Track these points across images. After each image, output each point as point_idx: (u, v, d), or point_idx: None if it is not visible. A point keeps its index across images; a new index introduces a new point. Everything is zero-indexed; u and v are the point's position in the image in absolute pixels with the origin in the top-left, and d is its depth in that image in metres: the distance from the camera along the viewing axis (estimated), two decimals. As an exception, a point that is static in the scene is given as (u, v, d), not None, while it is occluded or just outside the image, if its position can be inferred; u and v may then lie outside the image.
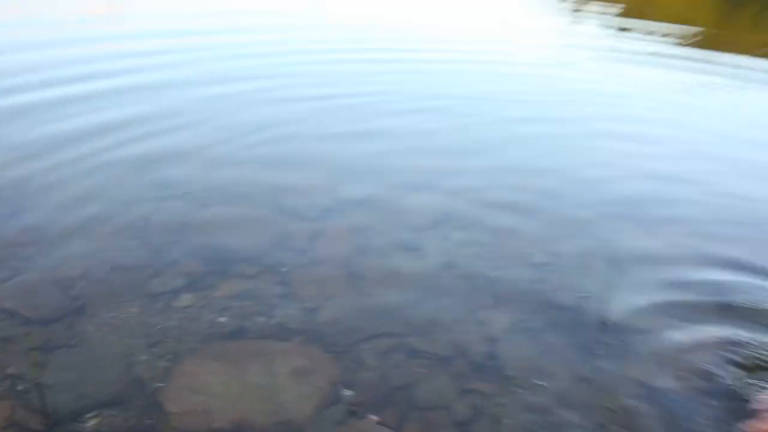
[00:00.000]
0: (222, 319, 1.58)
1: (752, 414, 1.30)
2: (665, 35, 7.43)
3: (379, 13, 7.84)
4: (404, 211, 2.24)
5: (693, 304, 1.81)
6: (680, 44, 6.99)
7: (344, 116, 3.30)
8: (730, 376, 1.50)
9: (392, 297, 1.74)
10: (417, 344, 1.56)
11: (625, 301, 1.79)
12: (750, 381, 1.50)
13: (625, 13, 8.67)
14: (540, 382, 1.45)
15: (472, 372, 1.48)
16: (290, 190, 2.31)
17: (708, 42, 7.55)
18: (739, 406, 1.39)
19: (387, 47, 5.29)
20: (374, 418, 1.31)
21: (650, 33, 7.44)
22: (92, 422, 1.20)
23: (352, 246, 1.98)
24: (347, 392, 1.38)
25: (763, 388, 1.43)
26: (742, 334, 1.69)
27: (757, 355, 1.61)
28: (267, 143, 2.78)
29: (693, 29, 8.03)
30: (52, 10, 5.71)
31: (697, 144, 3.45)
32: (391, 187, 2.43)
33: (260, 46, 4.90)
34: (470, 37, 6.55)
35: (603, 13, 8.50)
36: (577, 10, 9.19)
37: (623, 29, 7.52)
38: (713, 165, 3.11)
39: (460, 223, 2.18)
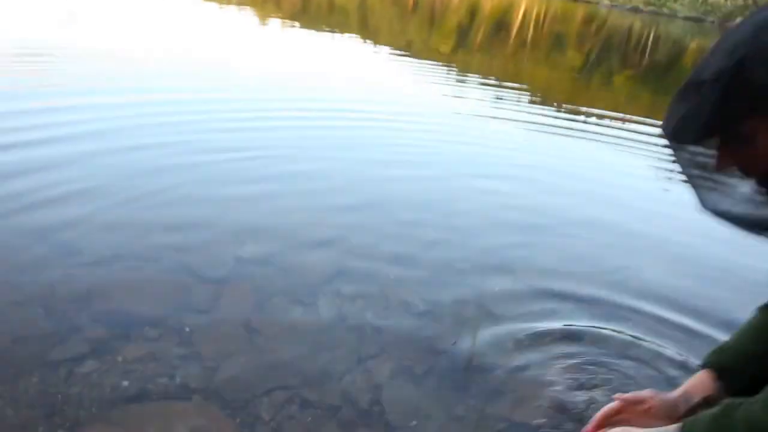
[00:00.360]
0: (124, 384, 1.59)
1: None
2: (533, 100, 8.11)
3: (276, 69, 7.94)
4: (301, 267, 2.29)
5: (550, 340, 1.98)
6: (545, 106, 7.64)
7: (242, 175, 3.33)
8: (581, 403, 1.66)
9: (288, 351, 1.80)
10: (309, 395, 1.63)
11: (493, 343, 1.92)
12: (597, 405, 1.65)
13: (501, 83, 9.29)
14: (418, 423, 1.56)
15: (358, 419, 1.56)
16: (194, 251, 2.31)
17: (566, 103, 8.26)
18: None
19: (284, 106, 5.37)
20: None
21: (521, 99, 8.03)
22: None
23: (251, 304, 2.02)
24: None
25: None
26: (592, 363, 1.86)
27: (608, 385, 1.78)
28: (168, 205, 2.76)
29: (555, 95, 8.73)
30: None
31: (553, 196, 3.71)
32: (289, 245, 2.47)
33: (158, 109, 4.78)
34: (362, 98, 6.70)
35: (482, 84, 9.05)
36: (461, 80, 9.67)
37: (498, 97, 8.02)
38: (567, 214, 3.35)
39: (351, 278, 2.25)
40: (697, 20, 33.90)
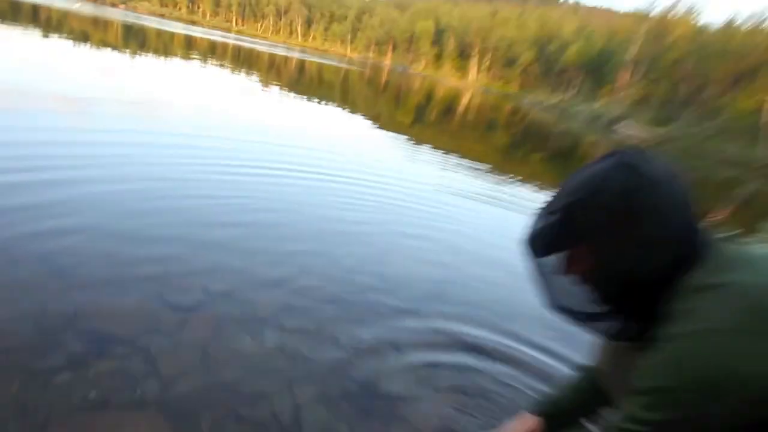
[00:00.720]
0: (91, 394, 1.55)
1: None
2: (469, 167, 8.26)
3: (265, 126, 7.90)
4: (255, 303, 2.24)
5: (447, 374, 1.99)
6: (478, 173, 7.81)
7: (217, 218, 3.24)
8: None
9: (232, 374, 1.77)
10: (243, 412, 1.61)
11: (400, 375, 1.93)
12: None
13: (446, 153, 9.52)
14: (335, 426, 1.56)
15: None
16: (168, 283, 2.25)
17: (493, 172, 8.43)
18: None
19: (264, 158, 5.35)
20: None
21: (460, 165, 8.21)
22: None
23: (210, 331, 1.97)
24: None
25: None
26: (478, 394, 1.89)
27: (488, 413, 1.80)
28: (152, 240, 2.68)
29: (486, 165, 8.94)
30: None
31: (462, 254, 3.71)
32: (248, 282, 2.42)
33: (155, 152, 4.70)
34: (331, 158, 6.64)
35: (431, 152, 9.28)
36: (415, 149, 9.86)
37: (442, 164, 8.17)
38: (472, 269, 3.38)
39: (294, 314, 2.21)
40: (593, 119, 35.55)
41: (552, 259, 0.97)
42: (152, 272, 2.31)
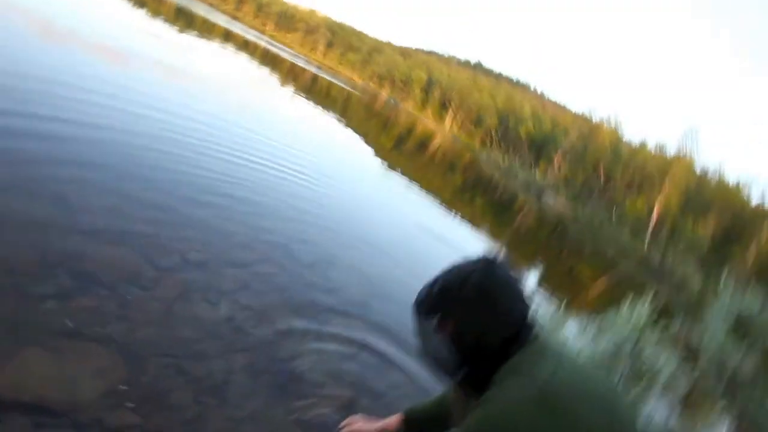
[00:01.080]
0: (68, 323, 1.55)
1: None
2: (426, 199, 8.44)
3: (271, 122, 7.77)
4: (221, 276, 2.24)
5: (352, 362, 2.04)
6: (430, 205, 7.97)
7: (212, 192, 3.19)
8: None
9: (185, 332, 1.79)
10: (186, 365, 1.64)
11: (314, 361, 1.98)
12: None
13: (410, 180, 9.64)
14: (246, 403, 1.61)
15: (209, 391, 1.58)
16: (155, 244, 2.23)
17: (444, 206, 8.64)
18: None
19: (262, 149, 5.12)
20: (130, 405, 1.37)
21: (418, 195, 8.36)
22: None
23: (177, 292, 1.98)
24: (123, 387, 1.42)
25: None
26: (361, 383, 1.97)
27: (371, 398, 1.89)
28: (151, 201, 2.62)
29: (438, 198, 9.13)
30: None
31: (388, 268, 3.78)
32: (221, 258, 2.41)
33: (175, 126, 4.47)
34: (318, 162, 6.44)
35: (400, 177, 9.40)
36: (389, 170, 9.92)
37: (405, 190, 8.28)
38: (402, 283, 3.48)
39: (249, 293, 2.22)
40: (528, 184, 36.89)
41: (428, 321, 1.10)
42: (144, 231, 2.29)
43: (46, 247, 1.83)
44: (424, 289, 1.13)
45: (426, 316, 1.11)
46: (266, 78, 15.63)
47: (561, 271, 12.39)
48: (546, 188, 36.67)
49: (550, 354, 0.99)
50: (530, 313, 1.06)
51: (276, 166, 4.85)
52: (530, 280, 7.95)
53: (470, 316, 1.03)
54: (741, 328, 1.62)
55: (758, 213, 33.27)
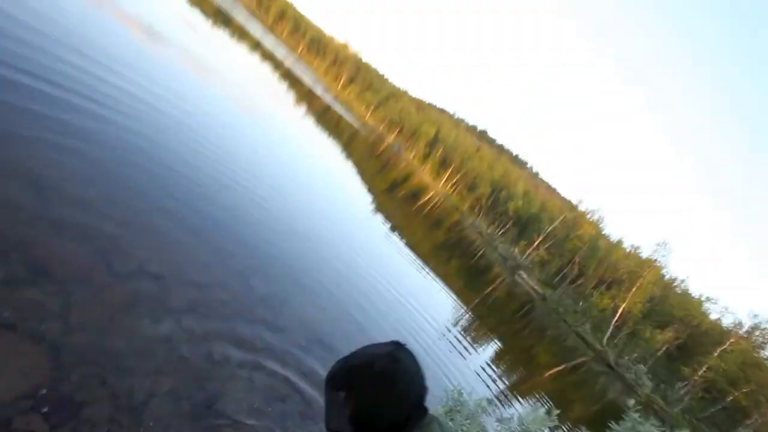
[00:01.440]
0: (5, 313, 1.55)
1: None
2: (403, 248, 8.44)
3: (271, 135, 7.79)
4: (172, 293, 2.24)
5: (280, 405, 2.05)
6: (407, 256, 8.00)
7: (186, 205, 3.16)
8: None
9: (120, 345, 1.78)
10: (109, 378, 1.63)
11: (239, 399, 1.96)
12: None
13: (394, 226, 9.70)
14: (155, 427, 1.59)
15: (127, 410, 1.58)
16: (116, 247, 2.24)
17: (420, 260, 8.59)
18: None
19: (251, 170, 5.12)
20: (44, 410, 1.36)
21: (397, 244, 8.41)
22: None
23: (124, 302, 1.97)
24: (43, 391, 1.42)
25: None
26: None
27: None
28: (128, 200, 2.62)
29: (417, 252, 9.08)
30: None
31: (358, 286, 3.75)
32: (177, 276, 2.39)
33: (185, 123, 4.44)
34: (307, 191, 6.41)
35: (384, 220, 9.49)
36: (375, 210, 10.02)
37: (388, 232, 8.30)
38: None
39: (195, 317, 2.21)
40: (506, 258, 37.40)
41: (335, 395, 1.18)
42: (111, 232, 2.30)
43: (7, 230, 1.84)
44: (337, 364, 1.22)
45: (333, 389, 1.19)
46: (282, 94, 15.98)
47: (520, 348, 12.42)
48: (522, 266, 37.30)
49: None
50: (423, 403, 1.15)
51: (265, 190, 4.87)
52: (489, 350, 7.97)
53: (369, 397, 1.12)
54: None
55: (715, 329, 34.27)
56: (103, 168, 2.81)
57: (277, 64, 27.81)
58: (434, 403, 2.20)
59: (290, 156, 7.76)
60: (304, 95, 25.94)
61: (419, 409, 1.16)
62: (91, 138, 3.01)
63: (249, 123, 7.61)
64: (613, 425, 1.88)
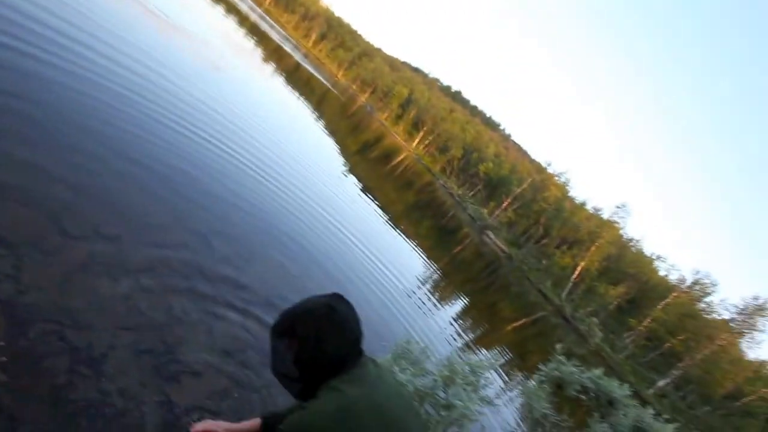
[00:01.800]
0: None
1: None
2: (376, 208, 8.44)
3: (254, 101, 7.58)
4: (131, 255, 2.25)
5: (237, 357, 2.15)
6: (379, 216, 8.11)
7: (157, 171, 3.09)
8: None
9: (77, 302, 1.82)
10: (68, 334, 1.68)
11: (199, 351, 2.06)
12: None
13: (365, 187, 9.74)
14: (119, 377, 1.67)
15: (84, 364, 1.63)
16: (71, 210, 2.21)
17: (391, 222, 8.64)
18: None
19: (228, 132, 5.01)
20: (3, 359, 1.42)
21: (370, 204, 8.47)
22: None
23: (80, 263, 1.99)
24: (1, 343, 1.46)
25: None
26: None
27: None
28: (86, 164, 2.55)
29: (389, 213, 9.15)
30: None
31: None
32: (138, 238, 2.40)
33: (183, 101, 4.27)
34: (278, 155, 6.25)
35: (356, 181, 9.54)
36: (346, 172, 10.01)
37: (361, 193, 8.36)
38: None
39: (153, 277, 2.24)
40: (475, 219, 38.39)
41: (279, 342, 1.31)
42: (63, 196, 2.26)
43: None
44: (282, 312, 1.34)
45: (278, 337, 1.32)
46: (250, 50, 15.22)
47: (485, 304, 13.09)
48: (490, 226, 38.47)
49: (369, 380, 1.23)
50: (360, 346, 1.30)
51: (230, 147, 4.77)
52: (456, 307, 8.39)
53: (311, 339, 1.26)
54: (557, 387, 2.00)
55: (661, 285, 37.22)
56: (57, 125, 2.71)
57: (242, 19, 26.16)
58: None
59: (258, 115, 7.54)
60: (273, 52, 24.73)
61: (356, 350, 1.31)
62: (37, 96, 2.87)
63: (213, 80, 7.30)
64: (541, 366, 2.13)
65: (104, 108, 3.37)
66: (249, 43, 17.60)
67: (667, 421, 1.78)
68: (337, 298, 1.31)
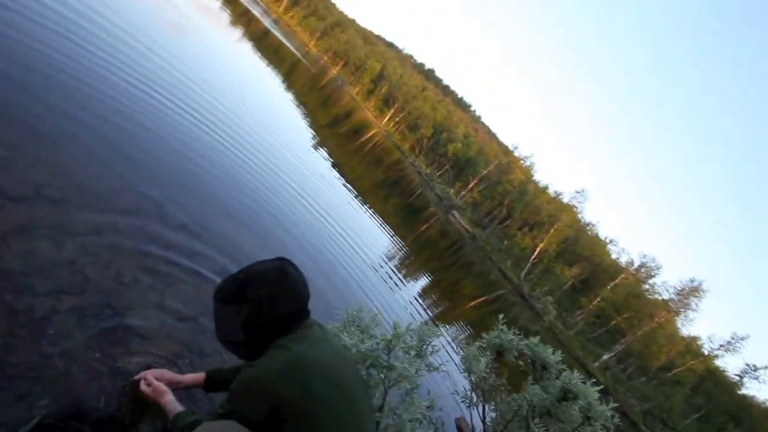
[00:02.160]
0: None
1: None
2: (344, 184, 8.53)
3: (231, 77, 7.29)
4: (77, 218, 2.15)
5: (184, 322, 2.16)
6: (344, 183, 8.11)
7: (117, 136, 2.94)
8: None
9: (16, 265, 1.74)
10: (7, 298, 1.62)
11: (146, 314, 2.03)
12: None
13: (334, 160, 9.68)
14: (57, 341, 1.64)
15: (24, 324, 1.59)
16: (7, 171, 2.08)
17: (359, 199, 8.79)
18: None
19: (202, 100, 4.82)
20: None
21: (338, 179, 8.48)
22: None
23: (18, 225, 1.89)
24: None
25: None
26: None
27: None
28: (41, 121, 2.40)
29: (356, 189, 9.17)
30: None
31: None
32: (85, 200, 2.29)
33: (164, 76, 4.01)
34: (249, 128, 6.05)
35: (327, 156, 9.42)
36: (315, 146, 9.88)
37: (330, 165, 8.30)
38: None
39: (99, 240, 2.16)
40: (442, 198, 38.99)
41: (227, 307, 1.33)
42: (1, 153, 2.12)
43: None
44: (227, 279, 1.36)
45: (226, 302, 1.34)
46: (216, 11, 14.41)
47: (448, 281, 13.51)
48: (456, 206, 39.29)
49: (313, 340, 1.29)
50: (307, 307, 1.35)
51: (191, 111, 4.58)
52: (419, 284, 8.61)
53: (264, 305, 1.29)
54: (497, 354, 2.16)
55: (612, 267, 39.91)
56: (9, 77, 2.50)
57: (207, -25, 24.56)
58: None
59: (223, 80, 7.24)
60: (240, 15, 23.52)
61: (304, 312, 1.36)
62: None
63: (176, 40, 6.90)
64: (483, 335, 2.27)
65: (49, 57, 3.12)
66: (215, 3, 16.64)
67: (594, 384, 1.97)
68: (285, 261, 1.35)
